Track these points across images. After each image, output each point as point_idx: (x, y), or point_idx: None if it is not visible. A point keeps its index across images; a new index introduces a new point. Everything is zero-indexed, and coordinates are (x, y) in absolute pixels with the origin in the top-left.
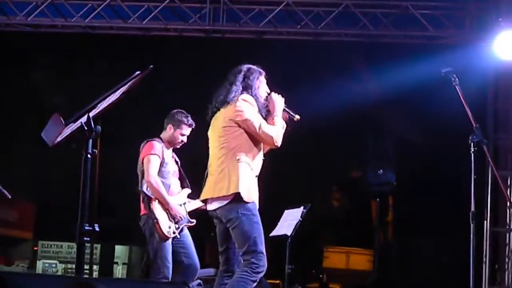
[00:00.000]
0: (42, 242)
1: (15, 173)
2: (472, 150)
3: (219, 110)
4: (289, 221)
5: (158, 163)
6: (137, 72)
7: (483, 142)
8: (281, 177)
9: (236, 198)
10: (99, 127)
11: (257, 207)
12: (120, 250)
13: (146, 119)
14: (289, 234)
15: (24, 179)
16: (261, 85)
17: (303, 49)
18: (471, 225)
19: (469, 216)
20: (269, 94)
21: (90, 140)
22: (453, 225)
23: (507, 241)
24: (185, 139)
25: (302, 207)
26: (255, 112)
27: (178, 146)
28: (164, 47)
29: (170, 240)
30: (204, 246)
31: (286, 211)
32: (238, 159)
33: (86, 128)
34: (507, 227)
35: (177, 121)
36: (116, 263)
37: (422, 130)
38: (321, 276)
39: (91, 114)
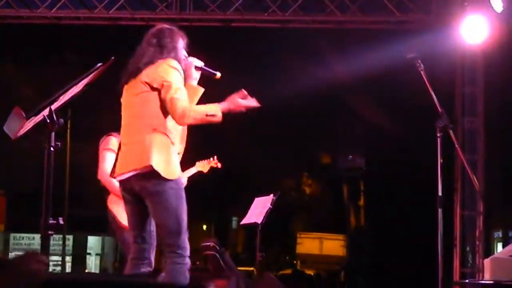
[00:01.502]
0: (14, 234)
1: None
2: (438, 134)
3: (136, 74)
4: (259, 209)
5: (112, 157)
6: (99, 64)
7: (449, 127)
8: (251, 164)
9: (153, 172)
10: (62, 120)
11: (183, 183)
12: (93, 241)
13: (118, 111)
14: (259, 222)
15: None
16: (181, 48)
17: (271, 36)
18: (439, 210)
19: (436, 200)
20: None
21: (53, 133)
22: (423, 209)
23: (477, 225)
24: None
25: (272, 195)
26: (178, 80)
27: None
28: (133, 36)
29: None
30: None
31: (256, 199)
32: (154, 129)
33: (48, 120)
34: (477, 210)
35: None
36: (89, 253)
37: (391, 115)
38: (294, 262)
39: (53, 106)
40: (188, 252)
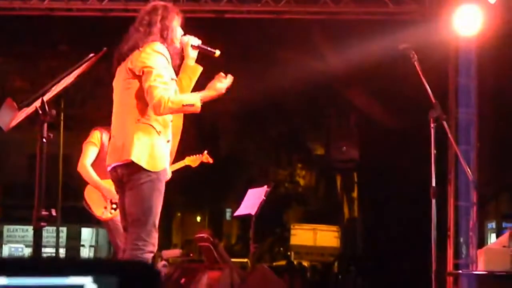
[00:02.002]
0: (8, 226)
1: None
2: (432, 125)
3: (123, 59)
4: (253, 201)
5: (93, 150)
6: (91, 55)
7: (442, 118)
8: (244, 155)
9: (133, 163)
10: (54, 111)
11: (167, 175)
12: (86, 233)
13: (112, 101)
14: (253, 213)
15: None
16: (177, 26)
17: (264, 27)
18: (432, 200)
19: (430, 191)
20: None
21: (45, 124)
22: (417, 200)
23: (471, 216)
24: None
25: (265, 186)
26: (161, 66)
27: None
28: (125, 28)
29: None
30: (170, 226)
31: (249, 190)
32: (138, 120)
33: (40, 112)
34: (470, 201)
35: None
36: (83, 245)
37: (385, 106)
38: (288, 253)
39: (45, 97)
40: (151, 248)
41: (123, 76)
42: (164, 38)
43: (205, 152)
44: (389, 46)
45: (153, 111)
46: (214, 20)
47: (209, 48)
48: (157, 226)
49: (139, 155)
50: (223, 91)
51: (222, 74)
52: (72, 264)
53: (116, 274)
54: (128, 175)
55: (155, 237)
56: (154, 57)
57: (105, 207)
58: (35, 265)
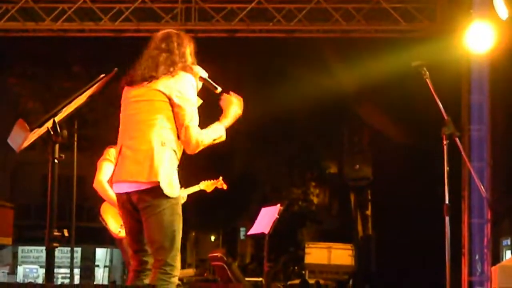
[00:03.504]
0: (22, 247)
1: None
2: (445, 142)
3: (147, 80)
4: (266, 219)
5: (108, 167)
6: (102, 75)
7: (455, 134)
8: (258, 174)
9: (157, 188)
10: (65, 131)
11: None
12: (100, 253)
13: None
14: (266, 232)
15: (1, 183)
16: (190, 54)
17: (276, 46)
18: (446, 218)
19: (444, 208)
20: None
21: (57, 145)
22: (431, 218)
23: (485, 233)
24: None
25: (279, 205)
26: (195, 101)
27: None
28: (138, 48)
29: None
30: (184, 245)
31: (263, 209)
32: (163, 143)
33: (52, 133)
34: (485, 218)
35: None
36: (97, 265)
37: (397, 124)
38: (303, 272)
39: (57, 118)
40: (176, 272)
41: (147, 96)
42: (184, 66)
43: (220, 178)
44: (401, 64)
45: (187, 148)
46: (226, 39)
47: (213, 83)
48: (179, 248)
49: (164, 179)
50: (240, 113)
51: (233, 94)
52: None
53: None
54: (146, 201)
55: (179, 260)
56: (191, 91)
57: (121, 225)
58: None
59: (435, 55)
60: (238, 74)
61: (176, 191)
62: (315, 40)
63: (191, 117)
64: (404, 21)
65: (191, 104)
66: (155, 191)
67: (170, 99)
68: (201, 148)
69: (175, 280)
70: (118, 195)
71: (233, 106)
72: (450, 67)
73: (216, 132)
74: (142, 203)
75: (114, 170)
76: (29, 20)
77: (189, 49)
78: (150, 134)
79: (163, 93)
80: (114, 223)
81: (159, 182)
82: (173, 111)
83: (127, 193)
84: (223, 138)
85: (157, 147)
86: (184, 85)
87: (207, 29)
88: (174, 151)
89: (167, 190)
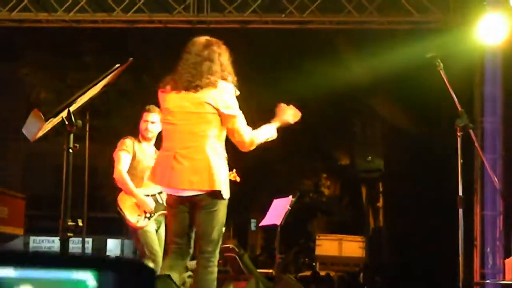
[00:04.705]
0: (34, 237)
1: (3, 168)
2: (459, 134)
3: (193, 89)
4: (278, 211)
5: (127, 157)
6: (117, 65)
7: (469, 126)
8: (270, 166)
9: (217, 192)
10: (80, 121)
11: None
12: (112, 244)
13: (138, 112)
14: (278, 223)
15: (12, 174)
16: (228, 64)
17: (289, 37)
18: (459, 210)
19: (457, 200)
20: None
21: (71, 135)
22: (442, 210)
23: (497, 225)
24: (148, 125)
25: (291, 196)
26: (237, 104)
27: (149, 135)
28: (151, 38)
29: (150, 228)
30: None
31: (275, 201)
32: (216, 152)
33: (67, 122)
34: (497, 210)
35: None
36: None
37: (409, 116)
38: (313, 264)
39: (72, 108)
40: (217, 262)
41: (197, 108)
42: (223, 75)
43: (234, 170)
44: (414, 55)
45: (242, 147)
46: (239, 31)
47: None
48: None
49: (223, 187)
50: (291, 122)
51: (292, 107)
52: (76, 259)
53: (115, 270)
54: (205, 201)
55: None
56: (233, 98)
57: (139, 215)
58: (42, 258)
59: (448, 47)
60: (249, 65)
61: (228, 193)
62: (328, 31)
63: (240, 121)
64: (417, 13)
65: (236, 109)
66: (214, 194)
67: (218, 110)
68: (254, 146)
69: (216, 269)
70: (173, 196)
71: (287, 116)
72: (463, 59)
73: (268, 132)
74: (201, 202)
75: (162, 173)
76: (42, 10)
77: (228, 59)
78: (204, 144)
79: (210, 105)
80: (132, 213)
81: (220, 190)
82: (222, 119)
83: (189, 196)
84: (275, 137)
85: (212, 157)
86: (227, 94)
87: (219, 20)
88: (225, 157)
89: (225, 195)
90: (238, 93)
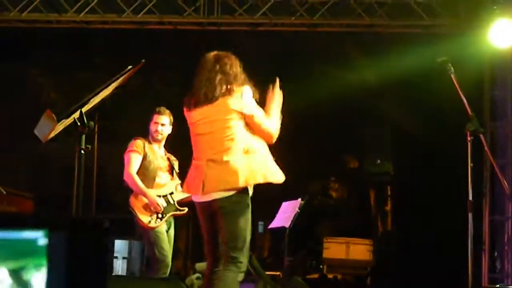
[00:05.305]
0: None
1: (12, 168)
2: (469, 139)
3: (211, 101)
4: (287, 213)
5: (137, 158)
6: (129, 67)
7: (480, 131)
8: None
9: (243, 190)
10: (92, 122)
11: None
12: (120, 245)
13: (146, 114)
14: (287, 226)
15: (21, 174)
16: (240, 74)
17: (299, 39)
18: (469, 214)
19: (467, 205)
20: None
21: (83, 136)
22: (451, 214)
23: (506, 230)
24: (158, 127)
25: (299, 199)
26: (255, 103)
27: (159, 137)
28: (160, 40)
29: (161, 228)
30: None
31: (284, 203)
32: (246, 151)
33: (79, 123)
34: (506, 215)
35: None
36: (116, 257)
37: (419, 119)
38: (321, 267)
39: (84, 109)
40: (244, 269)
41: (220, 115)
42: (237, 84)
43: None
44: (423, 59)
45: (269, 140)
46: (248, 33)
47: None
48: None
49: (259, 177)
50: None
51: (272, 87)
52: (26, 219)
53: (67, 230)
54: (231, 203)
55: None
56: (251, 98)
57: (151, 215)
58: None
59: (457, 51)
60: (257, 67)
61: (271, 177)
62: (338, 34)
63: (262, 117)
64: (427, 17)
65: (256, 108)
66: (240, 192)
67: (239, 112)
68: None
69: (241, 274)
70: (201, 202)
71: (275, 100)
72: (472, 63)
73: (277, 122)
74: (227, 205)
75: (195, 181)
76: (52, 11)
77: (239, 67)
78: (231, 146)
79: (232, 109)
80: (144, 213)
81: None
82: (246, 120)
83: (212, 200)
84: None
85: (240, 156)
86: (245, 95)
87: (229, 22)
88: (258, 149)
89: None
90: (256, 96)
